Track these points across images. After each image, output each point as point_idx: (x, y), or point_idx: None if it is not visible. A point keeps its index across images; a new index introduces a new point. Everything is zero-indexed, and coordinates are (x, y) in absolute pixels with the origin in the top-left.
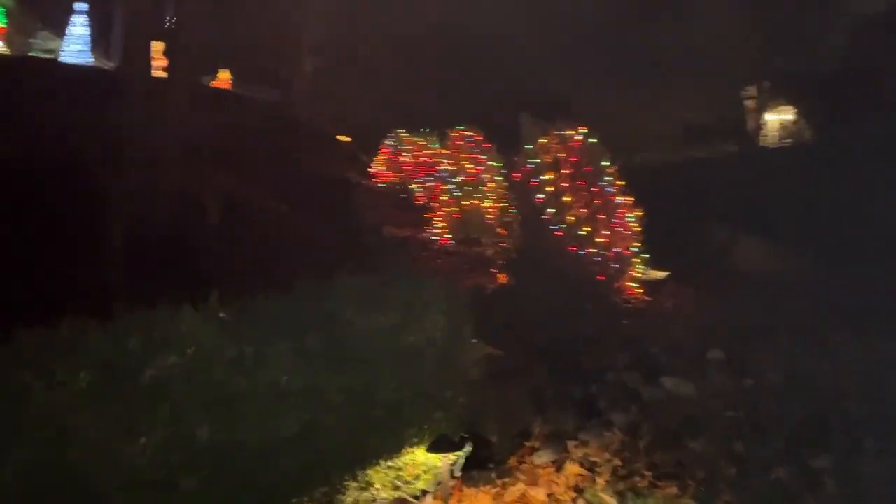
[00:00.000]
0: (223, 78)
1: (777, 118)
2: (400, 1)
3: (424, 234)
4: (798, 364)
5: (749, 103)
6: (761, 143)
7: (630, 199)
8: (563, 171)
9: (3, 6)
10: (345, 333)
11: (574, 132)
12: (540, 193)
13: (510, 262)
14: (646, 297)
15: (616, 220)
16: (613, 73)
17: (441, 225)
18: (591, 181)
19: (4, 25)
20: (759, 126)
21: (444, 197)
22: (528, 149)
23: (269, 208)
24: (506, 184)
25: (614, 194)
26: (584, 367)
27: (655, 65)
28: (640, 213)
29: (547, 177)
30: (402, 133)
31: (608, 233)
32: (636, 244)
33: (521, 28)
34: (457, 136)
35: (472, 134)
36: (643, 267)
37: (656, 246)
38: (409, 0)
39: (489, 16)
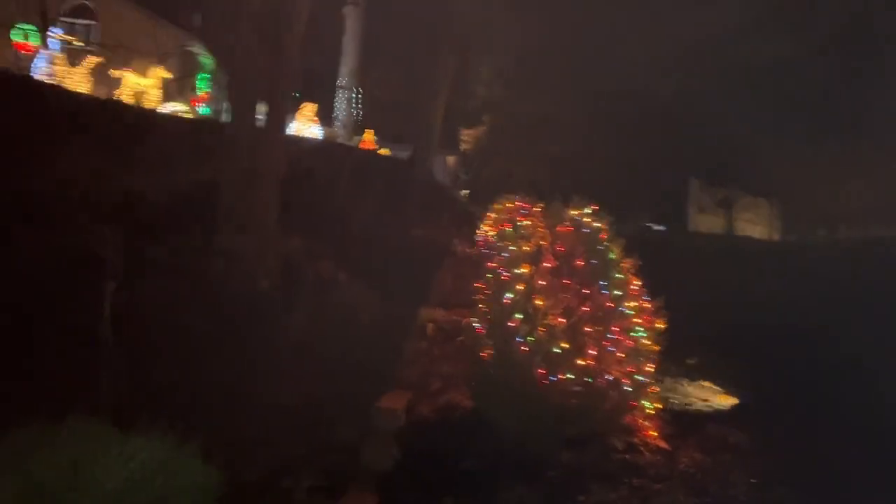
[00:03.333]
0: (368, 138)
1: None
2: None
3: (468, 321)
4: None
5: None
6: None
7: (648, 306)
8: (543, 263)
9: (208, 72)
10: None
11: (578, 213)
12: (510, 293)
13: (482, 380)
14: (662, 444)
15: (614, 336)
16: (813, 136)
17: (482, 311)
18: (583, 280)
19: (209, 91)
20: None
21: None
22: (507, 232)
23: (324, 275)
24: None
25: (616, 299)
26: None
27: (864, 126)
28: (662, 326)
29: (521, 270)
30: (508, 197)
31: (595, 353)
32: (648, 367)
33: (701, 87)
34: (511, 207)
35: (526, 205)
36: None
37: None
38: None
39: (655, 73)
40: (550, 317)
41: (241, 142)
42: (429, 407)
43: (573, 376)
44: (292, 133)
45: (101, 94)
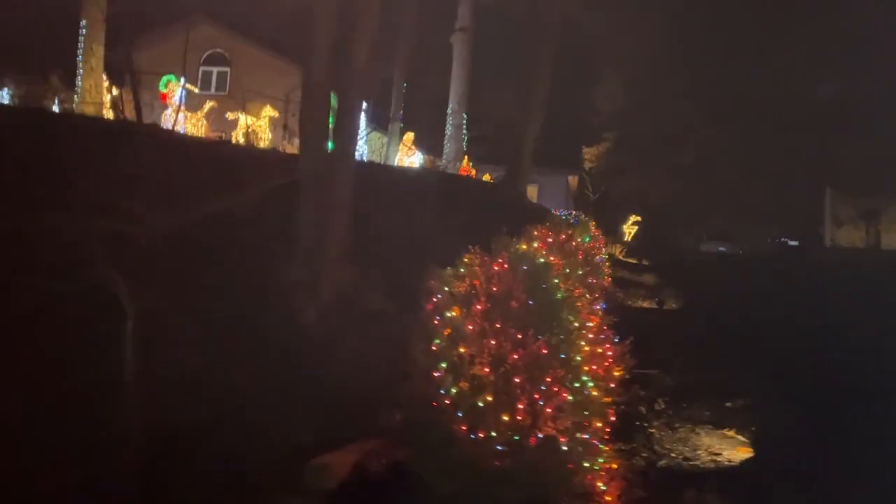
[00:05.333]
0: (465, 164)
1: None
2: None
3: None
4: None
5: None
6: None
7: (604, 350)
8: (475, 306)
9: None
10: None
11: (524, 246)
12: (437, 339)
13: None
14: None
15: (547, 387)
16: None
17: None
18: (519, 324)
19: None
20: None
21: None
22: (448, 273)
23: (373, 307)
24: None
25: (556, 345)
26: None
27: None
28: (619, 373)
29: (451, 314)
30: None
31: (524, 407)
32: (597, 422)
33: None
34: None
35: (549, 233)
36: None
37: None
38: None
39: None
40: (477, 366)
41: (308, 172)
42: (380, 462)
43: (496, 434)
44: (391, 161)
45: (215, 135)
